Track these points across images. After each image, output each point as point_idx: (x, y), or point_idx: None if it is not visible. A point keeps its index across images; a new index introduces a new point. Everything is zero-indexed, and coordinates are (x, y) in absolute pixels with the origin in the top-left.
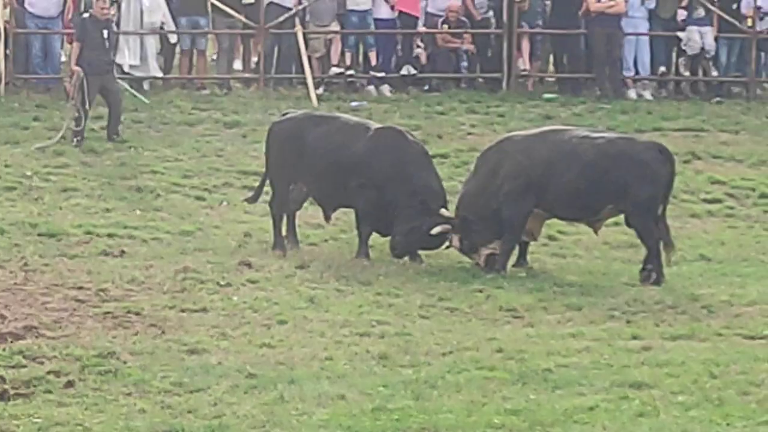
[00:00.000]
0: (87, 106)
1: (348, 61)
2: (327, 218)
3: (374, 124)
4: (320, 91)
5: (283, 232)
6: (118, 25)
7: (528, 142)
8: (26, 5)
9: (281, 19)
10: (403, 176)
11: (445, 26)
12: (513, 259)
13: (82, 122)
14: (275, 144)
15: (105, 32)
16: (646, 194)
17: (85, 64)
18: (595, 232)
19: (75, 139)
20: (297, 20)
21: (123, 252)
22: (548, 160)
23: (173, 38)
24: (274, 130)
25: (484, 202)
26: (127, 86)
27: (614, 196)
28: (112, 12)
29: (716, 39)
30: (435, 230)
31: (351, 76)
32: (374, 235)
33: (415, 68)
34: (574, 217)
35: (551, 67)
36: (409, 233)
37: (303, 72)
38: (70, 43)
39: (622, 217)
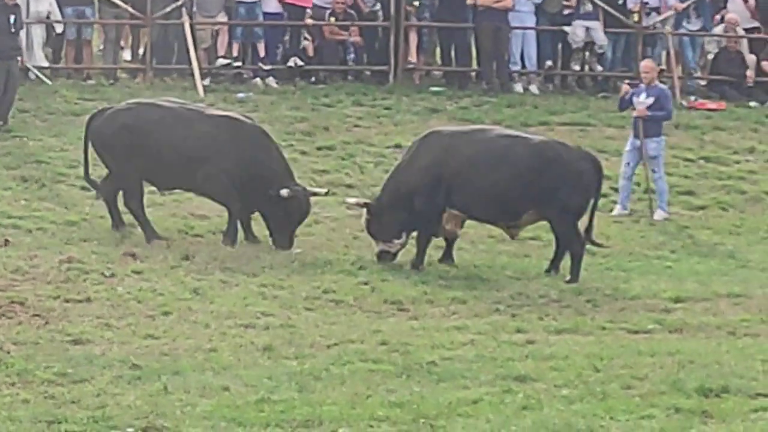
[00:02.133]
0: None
1: (235, 53)
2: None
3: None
4: (207, 82)
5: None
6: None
7: (452, 138)
8: None
9: (168, 9)
10: (247, 161)
11: (333, 18)
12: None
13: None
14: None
15: (12, 17)
16: (576, 203)
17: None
18: (512, 237)
19: None
20: (184, 11)
21: (7, 241)
22: (470, 158)
23: (59, 28)
24: (101, 122)
25: (398, 191)
26: (30, 66)
27: (538, 202)
28: None
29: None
30: (283, 191)
31: (238, 67)
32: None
33: (302, 60)
34: (492, 220)
35: (438, 60)
36: (277, 221)
37: (189, 63)
38: None
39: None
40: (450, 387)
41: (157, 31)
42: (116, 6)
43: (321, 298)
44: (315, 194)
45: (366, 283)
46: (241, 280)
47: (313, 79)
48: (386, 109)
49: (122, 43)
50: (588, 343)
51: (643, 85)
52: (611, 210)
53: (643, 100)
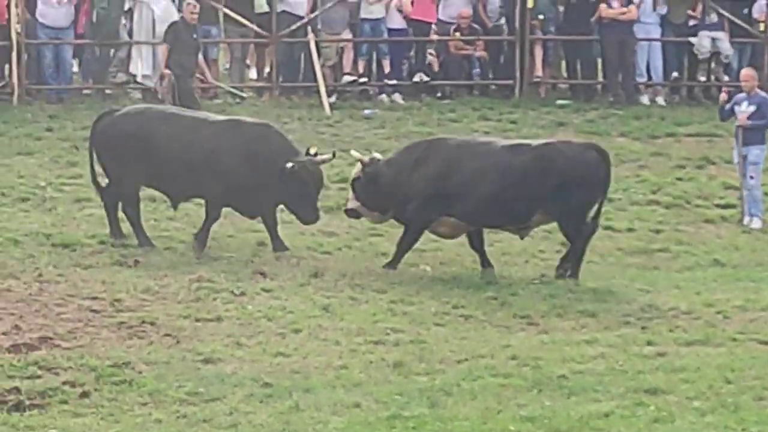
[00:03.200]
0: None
1: (360, 70)
2: (174, 207)
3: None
4: (333, 99)
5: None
6: (130, 35)
7: (458, 150)
8: (38, 16)
9: (293, 27)
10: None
11: (458, 33)
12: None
13: None
14: (111, 140)
15: (194, 36)
16: (583, 198)
17: (175, 66)
18: (522, 237)
19: None
20: (309, 29)
21: (137, 262)
22: (474, 170)
23: None
24: (104, 127)
25: (396, 181)
26: (222, 85)
27: (546, 203)
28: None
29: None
30: (288, 165)
31: (363, 84)
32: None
33: (428, 76)
34: (501, 226)
35: (564, 74)
36: (297, 198)
37: (315, 80)
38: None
39: (636, 223)
40: (581, 400)
41: (283, 49)
42: (242, 25)
43: (450, 314)
44: (323, 161)
45: (495, 298)
46: (370, 297)
47: (438, 94)
48: (512, 123)
49: (248, 61)
50: (719, 355)
51: (743, 94)
52: (740, 220)
53: (744, 109)
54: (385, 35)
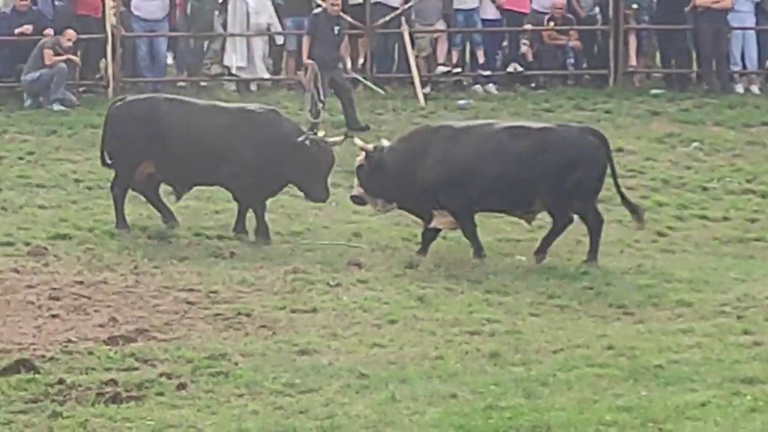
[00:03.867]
0: (323, 99)
1: (454, 60)
2: (178, 198)
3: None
4: (427, 90)
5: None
6: (224, 27)
7: (461, 133)
8: (132, 9)
9: (387, 18)
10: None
11: (551, 23)
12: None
13: (319, 115)
14: (120, 126)
15: (336, 28)
16: (585, 181)
17: (317, 58)
18: (529, 223)
19: (312, 131)
20: (403, 19)
21: (233, 254)
22: (477, 153)
23: (279, 39)
24: (116, 112)
25: (396, 167)
26: (361, 78)
27: (548, 186)
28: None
29: None
30: (300, 138)
31: (457, 74)
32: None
33: (522, 66)
34: (506, 210)
35: (658, 63)
36: (305, 176)
37: (409, 71)
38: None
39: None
40: (677, 390)
41: (377, 41)
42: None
43: (546, 304)
44: (335, 143)
45: (590, 288)
46: (465, 287)
47: (532, 84)
48: (607, 112)
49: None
50: None
51: None
52: None
53: None
54: (479, 25)
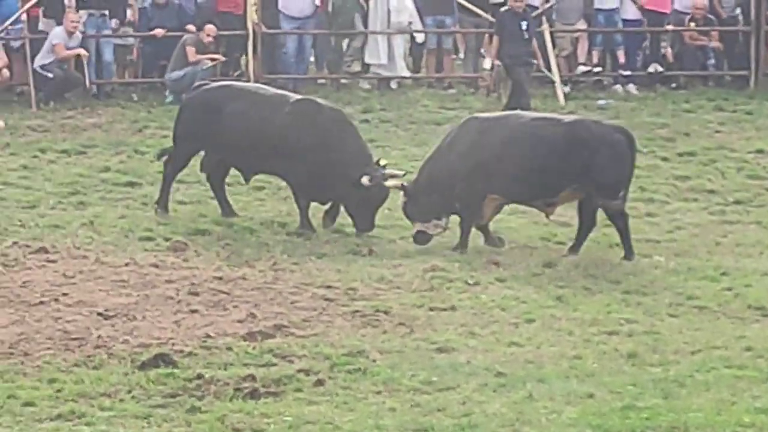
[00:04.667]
0: (525, 97)
1: (595, 60)
2: (246, 181)
3: (294, 96)
4: (567, 89)
5: (170, 193)
6: (365, 24)
7: (489, 123)
8: (280, 7)
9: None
10: (323, 145)
11: (692, 24)
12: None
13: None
14: (188, 112)
15: (523, 24)
16: (611, 176)
17: (505, 56)
18: (548, 216)
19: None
20: (544, 19)
21: (371, 251)
22: (505, 141)
23: (420, 38)
24: (191, 101)
25: (435, 175)
26: (548, 73)
27: (575, 179)
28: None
29: None
30: (365, 179)
31: (598, 74)
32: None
33: (662, 66)
34: (531, 200)
35: None
36: (356, 205)
37: (550, 70)
38: None
39: None
40: None
41: None
42: (476, 15)
43: (684, 305)
44: (393, 176)
45: (729, 289)
46: (604, 287)
47: (673, 85)
48: (747, 114)
49: (482, 51)
50: None
51: None
52: None
53: None
54: (620, 26)
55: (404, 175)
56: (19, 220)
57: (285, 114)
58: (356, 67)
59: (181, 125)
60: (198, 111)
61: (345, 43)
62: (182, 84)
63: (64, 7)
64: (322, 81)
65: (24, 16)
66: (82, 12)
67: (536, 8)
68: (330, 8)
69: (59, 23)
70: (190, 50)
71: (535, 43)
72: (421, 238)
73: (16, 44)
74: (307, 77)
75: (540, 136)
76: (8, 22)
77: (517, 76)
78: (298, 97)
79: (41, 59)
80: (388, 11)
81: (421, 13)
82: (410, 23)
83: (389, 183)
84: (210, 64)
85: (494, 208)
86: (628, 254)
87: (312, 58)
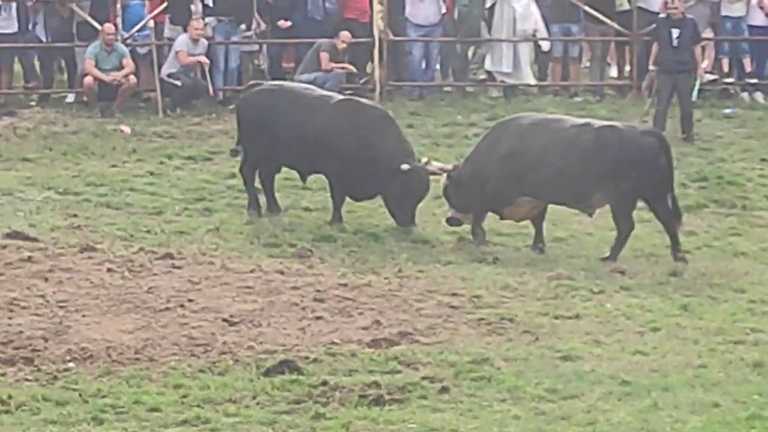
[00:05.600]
0: (661, 105)
1: (723, 68)
2: (303, 180)
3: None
4: (693, 97)
5: (257, 195)
6: (490, 31)
7: (528, 126)
8: (407, 15)
9: (654, 25)
10: (364, 143)
11: None
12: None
13: (663, 121)
14: (243, 113)
15: (674, 32)
16: (638, 182)
17: (659, 64)
18: (590, 216)
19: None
20: None
21: (496, 259)
22: (542, 145)
23: (545, 46)
24: (244, 101)
25: (476, 172)
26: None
27: (604, 183)
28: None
29: None
30: (404, 166)
31: (725, 83)
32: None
33: None
34: (564, 203)
35: None
36: (397, 199)
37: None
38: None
39: None
40: None
41: (643, 48)
42: (602, 23)
43: None
44: (434, 173)
45: None
46: (729, 296)
47: None
48: None
49: (609, 59)
50: None
51: None
52: None
53: None
54: (746, 33)
55: (453, 167)
56: (145, 227)
57: (328, 114)
58: (481, 74)
59: (240, 126)
60: (251, 111)
61: (471, 50)
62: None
63: (190, 13)
64: (448, 88)
65: (151, 23)
66: (210, 19)
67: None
68: (456, 15)
69: (185, 30)
70: (324, 56)
71: (692, 51)
72: (454, 222)
73: (142, 51)
74: (432, 84)
75: (571, 141)
76: (135, 29)
77: (658, 84)
78: (341, 97)
79: (167, 68)
80: (514, 19)
81: (547, 20)
82: (536, 31)
83: (435, 163)
84: (341, 72)
85: (531, 209)
86: (679, 257)
87: (437, 66)
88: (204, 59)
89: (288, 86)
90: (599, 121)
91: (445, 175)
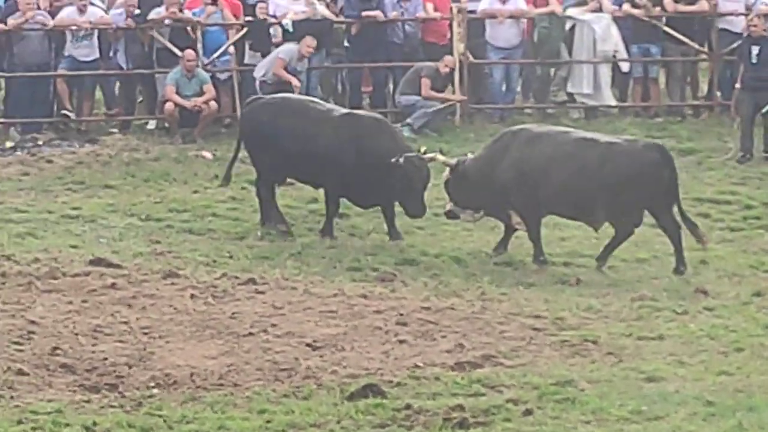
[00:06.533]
0: (745, 124)
1: None
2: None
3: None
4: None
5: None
6: (570, 53)
7: (537, 138)
8: (487, 37)
9: (734, 45)
10: (366, 154)
11: None
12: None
13: (747, 139)
14: (247, 127)
15: (754, 49)
16: (638, 196)
17: (744, 83)
18: (596, 230)
19: (741, 156)
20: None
21: (579, 280)
22: (548, 158)
23: (625, 67)
24: (247, 114)
25: (485, 175)
26: None
27: (606, 197)
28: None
29: None
30: (394, 159)
31: None
32: None
33: None
34: (570, 216)
35: None
36: (404, 191)
37: None
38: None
39: None
40: None
41: (723, 67)
42: (682, 43)
43: None
44: (431, 159)
45: None
46: None
47: None
48: None
49: (688, 80)
50: None
51: None
52: None
53: None
54: None
55: (442, 153)
56: (228, 252)
57: (330, 128)
58: (562, 96)
59: (245, 141)
60: (254, 124)
61: (551, 72)
62: (412, 111)
63: (270, 39)
64: (529, 111)
65: (231, 49)
66: (291, 44)
67: (741, 35)
68: (536, 38)
69: (264, 56)
70: (425, 83)
71: None
72: (451, 215)
73: (223, 76)
74: (513, 107)
75: (574, 155)
76: (215, 55)
77: (740, 102)
78: (344, 111)
79: (260, 69)
80: (594, 40)
81: (627, 41)
82: (615, 52)
83: (439, 157)
84: (441, 106)
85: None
86: (680, 265)
87: (518, 88)
88: (296, 82)
89: (290, 98)
90: (605, 136)
91: (448, 168)
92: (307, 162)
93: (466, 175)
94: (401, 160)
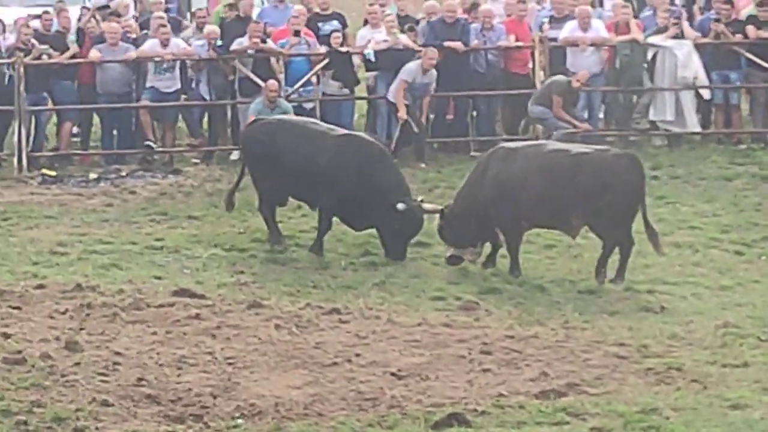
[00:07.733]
0: None
1: None
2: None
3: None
4: None
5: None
6: (652, 79)
7: (514, 152)
8: (568, 65)
9: None
10: (362, 176)
11: None
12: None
13: None
14: (247, 147)
15: None
16: (614, 205)
17: None
18: (573, 237)
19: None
20: None
21: (663, 308)
22: (524, 170)
23: (706, 94)
24: (243, 136)
25: (469, 202)
26: None
27: (580, 206)
28: None
29: None
30: (400, 205)
31: None
32: None
33: None
34: (546, 225)
35: None
36: (391, 234)
37: None
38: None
39: None
40: None
41: None
42: (765, 69)
43: None
44: (428, 211)
45: None
46: None
47: None
48: None
49: None
50: None
51: None
52: None
53: None
54: None
55: (442, 210)
56: (311, 282)
57: (328, 148)
58: (645, 124)
59: (246, 162)
60: (254, 145)
61: (634, 99)
62: (544, 124)
63: (352, 68)
64: (611, 138)
65: (314, 78)
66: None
67: None
68: (617, 65)
69: (347, 86)
70: (557, 101)
71: None
72: (454, 261)
73: (309, 106)
74: (594, 134)
75: (548, 166)
76: (298, 85)
77: None
78: (343, 132)
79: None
80: (676, 66)
81: (707, 68)
82: (695, 79)
83: (428, 206)
84: (570, 130)
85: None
86: (618, 278)
87: (601, 115)
88: (403, 115)
89: (290, 120)
90: (578, 146)
91: (438, 216)
92: (306, 181)
93: (455, 214)
94: (401, 206)
